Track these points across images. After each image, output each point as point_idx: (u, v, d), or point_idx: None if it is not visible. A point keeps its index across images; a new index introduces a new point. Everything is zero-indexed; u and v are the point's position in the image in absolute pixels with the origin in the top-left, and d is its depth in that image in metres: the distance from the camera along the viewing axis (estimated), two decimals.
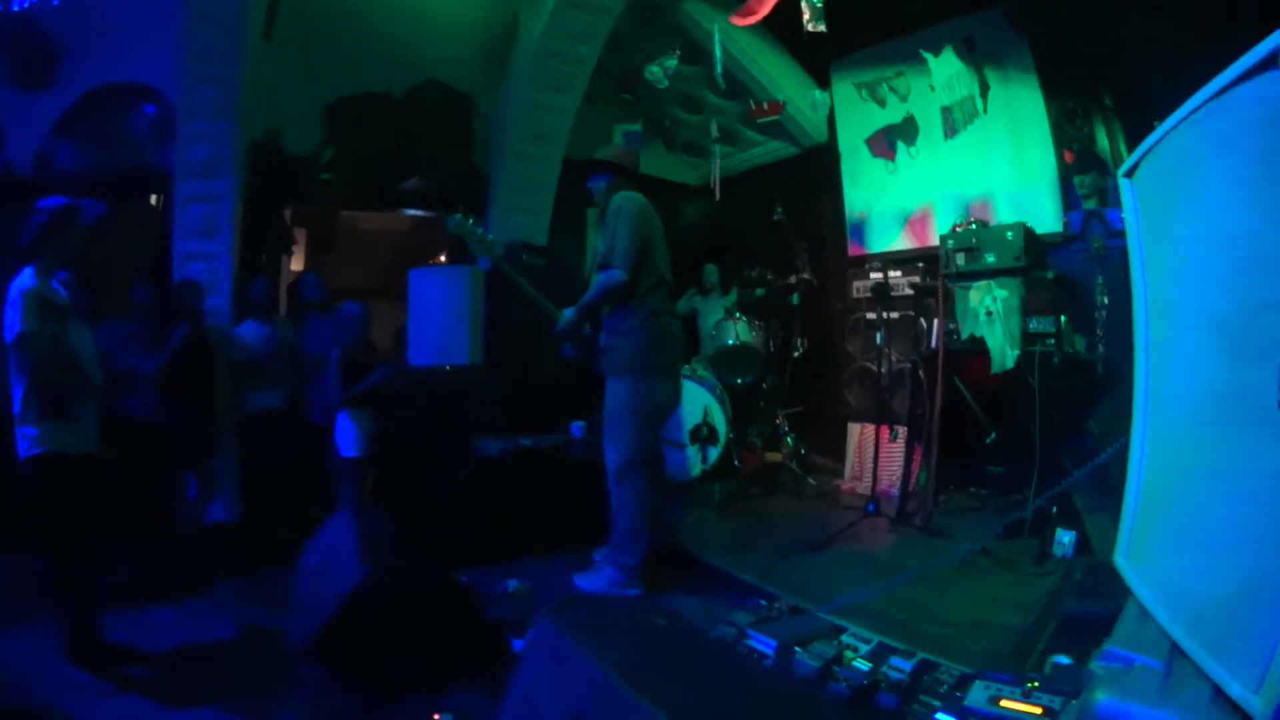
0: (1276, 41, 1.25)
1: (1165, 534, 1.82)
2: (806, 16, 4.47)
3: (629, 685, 1.81)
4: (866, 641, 2.96)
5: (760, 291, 6.86)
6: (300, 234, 8.89)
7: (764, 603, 3.41)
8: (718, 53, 5.35)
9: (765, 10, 4.77)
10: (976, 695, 2.23)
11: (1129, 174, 2.07)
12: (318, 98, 6.42)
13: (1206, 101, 1.52)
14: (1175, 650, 1.53)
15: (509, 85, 6.79)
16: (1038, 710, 2.09)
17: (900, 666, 2.73)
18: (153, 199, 6.06)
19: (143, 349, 5.11)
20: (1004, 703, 2.15)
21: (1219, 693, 1.31)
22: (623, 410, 4.06)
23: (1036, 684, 2.19)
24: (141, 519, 4.96)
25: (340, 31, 6.16)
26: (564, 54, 6.42)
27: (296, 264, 8.72)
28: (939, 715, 2.42)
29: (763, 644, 2.92)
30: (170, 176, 5.66)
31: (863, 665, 2.77)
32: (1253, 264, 1.40)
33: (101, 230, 3.59)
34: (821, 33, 4.57)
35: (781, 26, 5.59)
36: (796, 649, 2.87)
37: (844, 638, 3.01)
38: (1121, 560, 2.00)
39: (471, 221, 4.45)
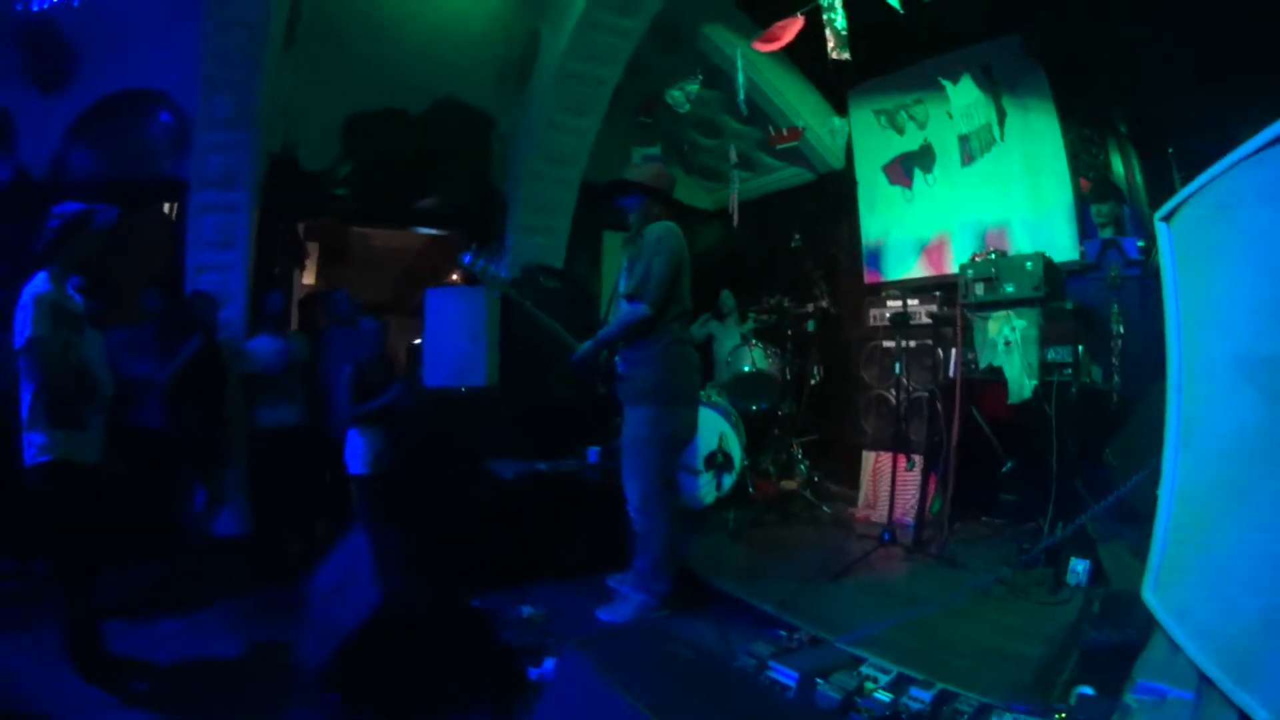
0: None
1: (1195, 570, 1.83)
2: (831, 44, 4.45)
3: None
4: (886, 672, 2.96)
5: (772, 318, 6.84)
6: (312, 248, 8.94)
7: (784, 633, 3.41)
8: (740, 78, 5.34)
9: (789, 36, 4.75)
10: None
11: (1166, 218, 2.09)
12: (335, 111, 6.46)
13: (1253, 153, 1.54)
14: (1204, 681, 1.55)
15: (528, 105, 6.83)
16: None
17: (920, 697, 2.73)
18: (166, 207, 6.08)
19: (153, 358, 5.12)
20: None
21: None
22: (642, 440, 4.01)
23: (1064, 715, 2.18)
24: (149, 528, 4.95)
25: (360, 44, 6.21)
26: (585, 75, 6.46)
27: (308, 278, 8.78)
28: None
29: (785, 676, 2.93)
30: (184, 186, 5.69)
31: (884, 696, 2.77)
32: None
33: (115, 237, 3.59)
34: (845, 60, 4.56)
35: (801, 53, 5.62)
36: (818, 680, 2.88)
37: (863, 668, 3.01)
38: (1149, 595, 2.00)
39: (483, 262, 4.39)
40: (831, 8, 4.41)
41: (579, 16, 5.99)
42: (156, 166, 5.84)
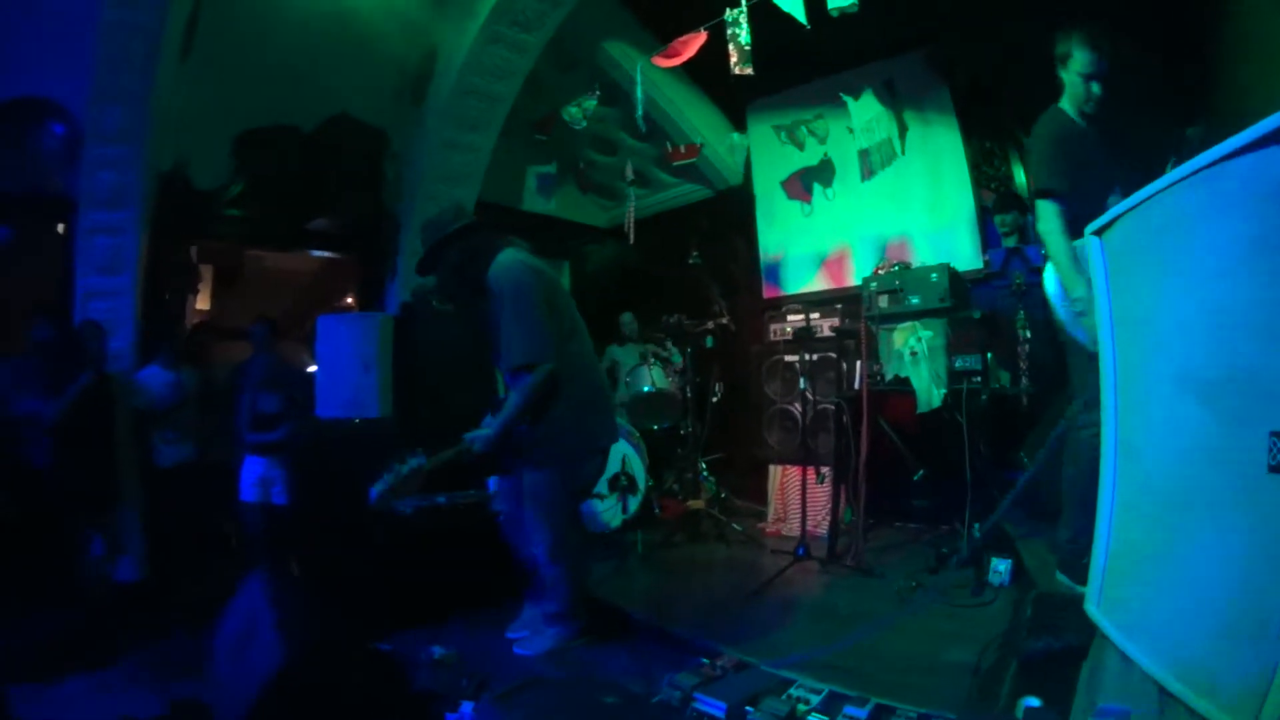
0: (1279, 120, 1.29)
1: (1142, 583, 1.81)
2: (734, 59, 4.43)
3: None
4: (817, 692, 2.86)
5: (673, 353, 6.73)
6: (206, 272, 8.50)
7: (705, 661, 3.26)
8: (639, 94, 5.31)
9: (690, 52, 4.74)
10: None
11: (1099, 232, 2.07)
12: (228, 127, 6.10)
13: (1198, 170, 1.53)
14: (1164, 694, 1.52)
15: (424, 122, 6.63)
16: None
17: (855, 715, 2.66)
18: (60, 228, 5.60)
19: (40, 393, 4.75)
20: None
21: None
22: (549, 501, 3.70)
23: None
24: (43, 579, 4.58)
25: (256, 58, 5.85)
26: (481, 91, 6.35)
27: (202, 303, 8.35)
28: None
29: (711, 707, 2.81)
30: (74, 205, 5.30)
31: (817, 719, 2.68)
32: (1243, 330, 1.43)
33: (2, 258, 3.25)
34: (748, 75, 4.55)
35: (700, 68, 5.61)
36: (748, 710, 2.77)
37: (793, 690, 2.90)
38: (1094, 609, 1.97)
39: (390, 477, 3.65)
40: (736, 23, 4.40)
41: (479, 29, 5.89)
42: (49, 182, 5.38)
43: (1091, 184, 3.19)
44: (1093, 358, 3.08)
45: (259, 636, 2.90)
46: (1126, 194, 1.93)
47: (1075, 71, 3.27)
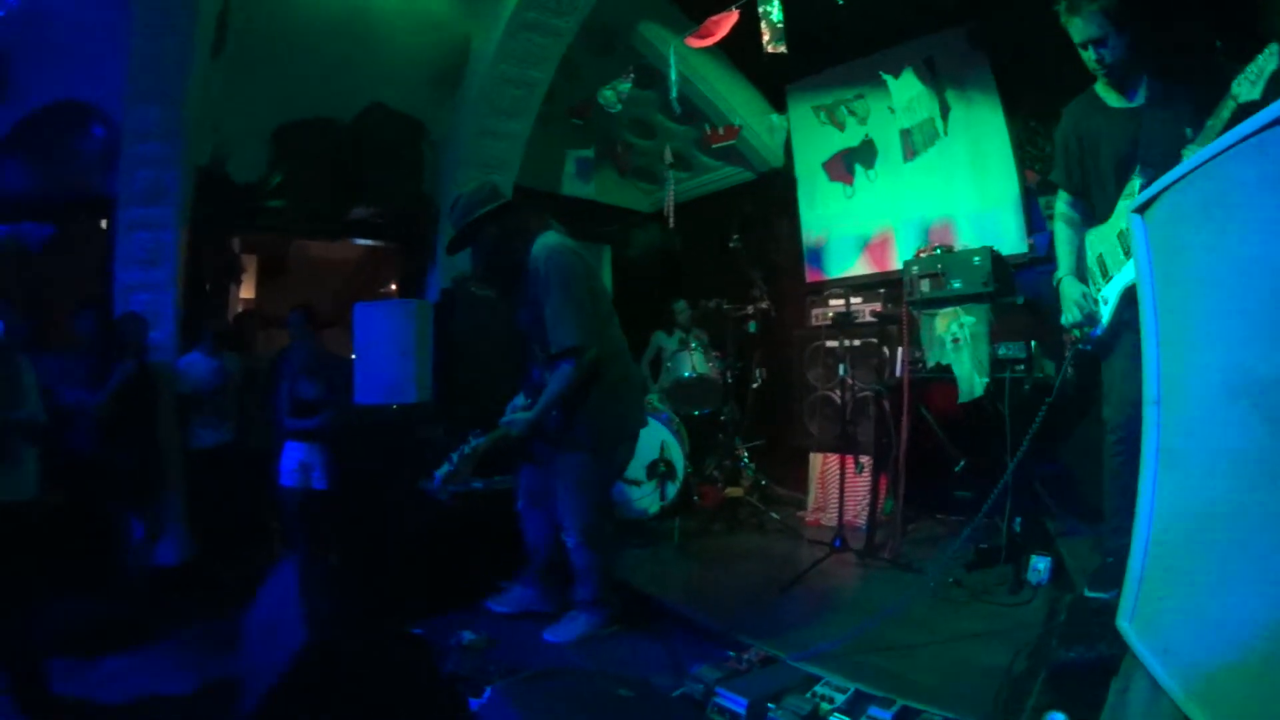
0: None
1: (1180, 603, 1.67)
2: (766, 37, 4.33)
3: None
4: (842, 691, 2.79)
5: (699, 348, 6.62)
6: (250, 261, 8.65)
7: (732, 654, 3.22)
8: (673, 76, 5.22)
9: (723, 32, 4.64)
10: None
11: (1141, 210, 1.90)
12: (264, 121, 6.19)
13: (1250, 135, 1.34)
14: None
15: (460, 111, 6.64)
16: None
17: (880, 717, 2.57)
18: (103, 224, 5.81)
19: (85, 384, 4.92)
20: None
21: None
22: (582, 485, 3.70)
23: None
24: (87, 561, 4.75)
25: (290, 52, 5.93)
26: (516, 78, 6.33)
27: (246, 292, 8.52)
28: None
29: (733, 702, 2.76)
30: (115, 202, 5.49)
31: (840, 719, 2.60)
32: None
33: (47, 256, 3.35)
34: (781, 54, 4.43)
35: (737, 49, 5.52)
36: (769, 706, 2.71)
37: (818, 688, 2.83)
38: (1126, 624, 1.85)
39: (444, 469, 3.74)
40: (768, 0, 4.29)
41: (509, 16, 5.87)
42: (91, 181, 5.59)
43: (1107, 168, 3.09)
44: (1080, 343, 3.04)
45: (284, 622, 2.93)
46: (1159, 173, 1.78)
47: (1076, 43, 3.13)
